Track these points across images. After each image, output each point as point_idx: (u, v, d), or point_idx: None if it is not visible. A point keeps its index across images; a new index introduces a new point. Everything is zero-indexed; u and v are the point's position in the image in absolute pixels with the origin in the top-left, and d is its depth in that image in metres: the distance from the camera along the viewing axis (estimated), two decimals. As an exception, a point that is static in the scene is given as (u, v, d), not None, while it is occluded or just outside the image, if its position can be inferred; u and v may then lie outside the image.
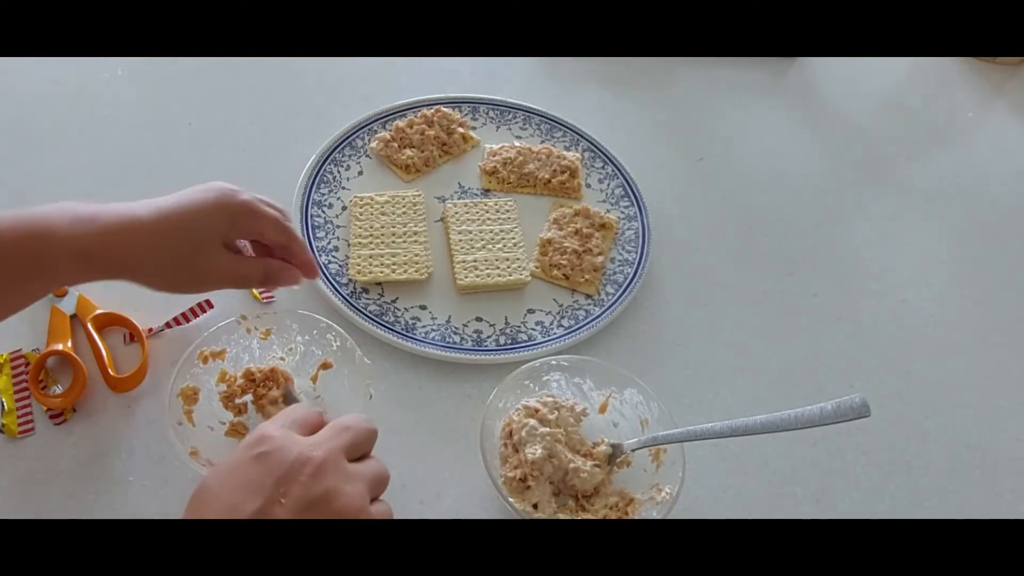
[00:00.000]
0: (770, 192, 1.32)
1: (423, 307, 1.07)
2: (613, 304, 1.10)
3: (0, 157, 1.17)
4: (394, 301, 1.07)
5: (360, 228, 1.12)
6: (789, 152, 1.38)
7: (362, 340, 1.01)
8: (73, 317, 1.02)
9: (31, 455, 0.91)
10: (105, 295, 1.03)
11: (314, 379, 0.96)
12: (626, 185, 1.24)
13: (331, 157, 1.21)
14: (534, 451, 0.87)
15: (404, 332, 1.03)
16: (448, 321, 1.06)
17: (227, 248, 0.87)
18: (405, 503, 0.91)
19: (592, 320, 1.08)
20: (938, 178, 1.39)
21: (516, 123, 1.32)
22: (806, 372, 1.10)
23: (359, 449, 0.72)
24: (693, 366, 1.08)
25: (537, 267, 1.14)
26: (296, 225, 1.10)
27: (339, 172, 1.20)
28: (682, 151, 1.36)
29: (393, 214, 1.14)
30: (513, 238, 1.14)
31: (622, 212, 1.21)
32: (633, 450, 0.91)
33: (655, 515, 0.85)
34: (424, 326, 1.05)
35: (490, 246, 1.12)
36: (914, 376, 1.11)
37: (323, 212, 1.15)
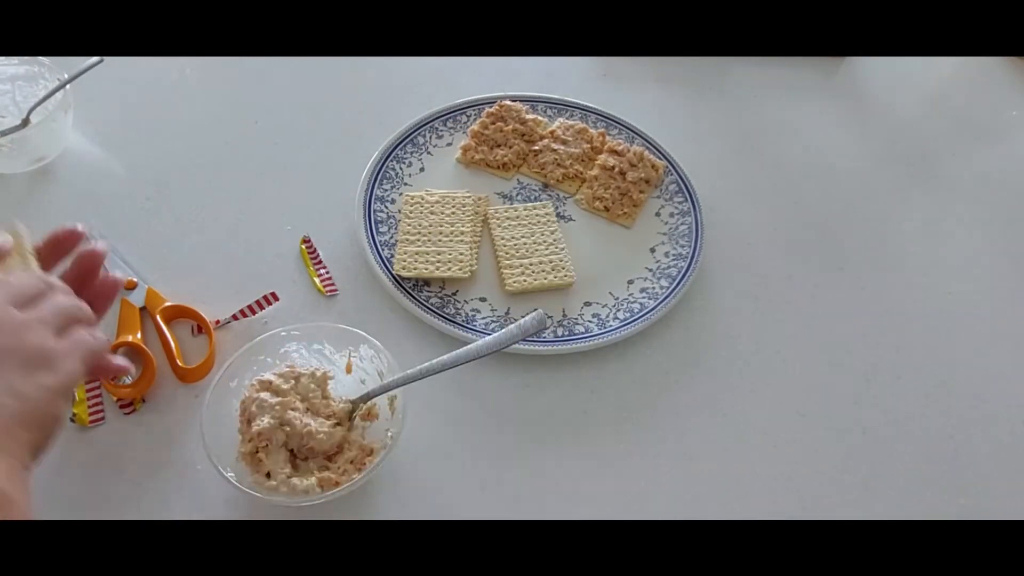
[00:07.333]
0: (820, 188, 1.33)
1: (483, 299, 1.10)
2: (667, 297, 1.11)
3: (85, 150, 1.23)
4: (454, 294, 1.10)
5: (409, 225, 1.14)
6: (838, 148, 1.39)
7: (424, 331, 1.06)
8: (142, 309, 1.05)
9: (102, 443, 0.95)
10: (173, 288, 1.07)
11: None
12: (680, 181, 1.25)
13: (393, 154, 1.24)
14: (260, 423, 0.88)
15: (464, 324, 1.06)
16: (507, 313, 1.09)
17: None
18: (467, 490, 0.95)
19: (647, 312, 1.09)
20: (982, 174, 1.39)
21: (574, 120, 1.32)
22: (854, 362, 1.12)
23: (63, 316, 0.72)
24: (745, 356, 1.10)
25: (582, 199, 1.22)
26: (359, 220, 1.15)
27: (401, 169, 1.23)
28: (735, 148, 1.38)
29: (442, 213, 1.16)
30: (555, 241, 1.16)
31: (676, 207, 1.23)
32: (364, 401, 0.94)
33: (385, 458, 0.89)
34: (484, 318, 1.08)
35: (535, 252, 1.14)
36: (959, 366, 1.13)
37: (385, 207, 1.18)
